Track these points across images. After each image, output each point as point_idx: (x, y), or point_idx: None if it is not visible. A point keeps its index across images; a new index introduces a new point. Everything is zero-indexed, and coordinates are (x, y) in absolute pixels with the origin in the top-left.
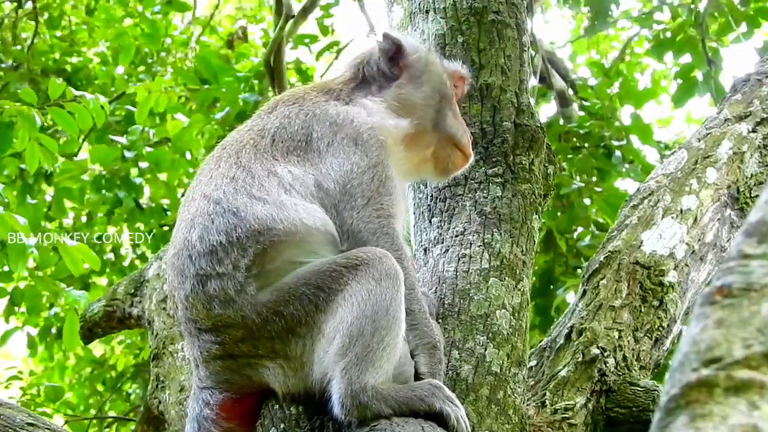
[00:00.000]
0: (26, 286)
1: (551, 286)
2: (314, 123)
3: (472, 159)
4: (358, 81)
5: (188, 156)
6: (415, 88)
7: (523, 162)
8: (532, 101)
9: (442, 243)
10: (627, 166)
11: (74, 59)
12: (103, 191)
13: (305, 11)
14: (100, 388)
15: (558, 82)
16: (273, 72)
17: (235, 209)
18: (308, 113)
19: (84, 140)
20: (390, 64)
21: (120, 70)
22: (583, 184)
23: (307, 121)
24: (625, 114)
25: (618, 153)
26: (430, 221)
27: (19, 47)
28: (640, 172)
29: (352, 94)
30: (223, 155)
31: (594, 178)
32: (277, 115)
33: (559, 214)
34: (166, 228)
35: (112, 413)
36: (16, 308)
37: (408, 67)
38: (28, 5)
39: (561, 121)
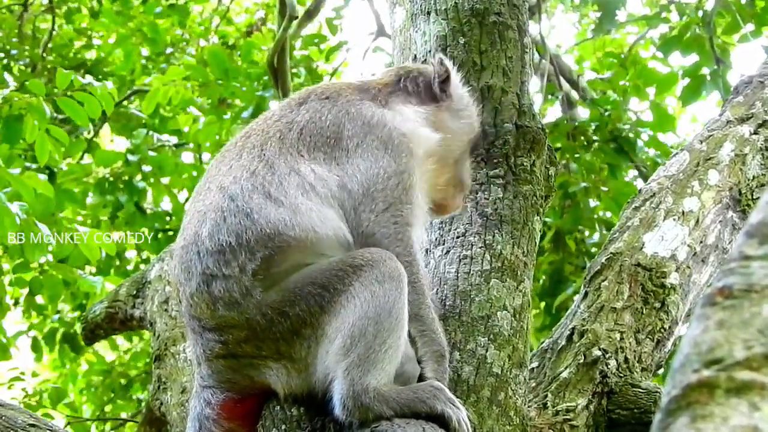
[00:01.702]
0: (45, 274)
1: (561, 286)
2: (346, 121)
3: (457, 211)
4: (397, 89)
5: (191, 159)
6: (455, 118)
7: (525, 163)
8: (537, 100)
9: (443, 244)
10: (651, 152)
11: (93, 52)
12: (106, 195)
13: (309, 14)
14: (111, 395)
15: (563, 85)
16: (276, 73)
17: (249, 210)
18: (341, 110)
19: (97, 133)
20: (439, 88)
21: (143, 54)
22: (589, 184)
23: (339, 118)
24: (637, 108)
25: (640, 143)
26: (431, 222)
27: (36, 50)
28: (662, 158)
29: (389, 98)
30: (247, 145)
31: (604, 175)
32: (308, 108)
33: (563, 215)
34: (170, 233)
35: (123, 414)
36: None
37: (452, 97)
38: (35, 6)
39: (566, 122)
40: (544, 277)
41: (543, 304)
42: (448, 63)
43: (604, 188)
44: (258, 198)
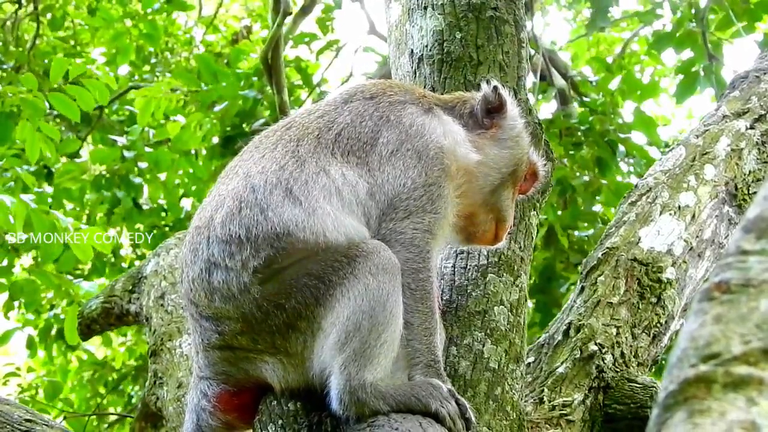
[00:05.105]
0: (25, 280)
1: (552, 283)
2: (384, 129)
3: (499, 245)
4: (447, 104)
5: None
6: (495, 147)
7: None
8: (531, 97)
9: None
10: (631, 160)
11: (77, 60)
12: (103, 191)
13: (304, 10)
14: (101, 390)
15: (558, 80)
16: (270, 69)
17: (265, 205)
18: (382, 117)
19: (85, 138)
20: (484, 113)
21: (123, 70)
22: (591, 176)
23: (378, 125)
24: (627, 111)
25: (622, 148)
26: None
27: (20, 49)
28: (643, 166)
29: (433, 103)
30: (284, 137)
31: (595, 171)
32: (350, 109)
33: (559, 212)
34: (166, 228)
35: (110, 409)
36: (15, 303)
37: (499, 127)
38: (30, 8)
39: (561, 118)
40: (534, 274)
41: (534, 300)
42: (504, 92)
43: (604, 181)
44: (278, 194)
